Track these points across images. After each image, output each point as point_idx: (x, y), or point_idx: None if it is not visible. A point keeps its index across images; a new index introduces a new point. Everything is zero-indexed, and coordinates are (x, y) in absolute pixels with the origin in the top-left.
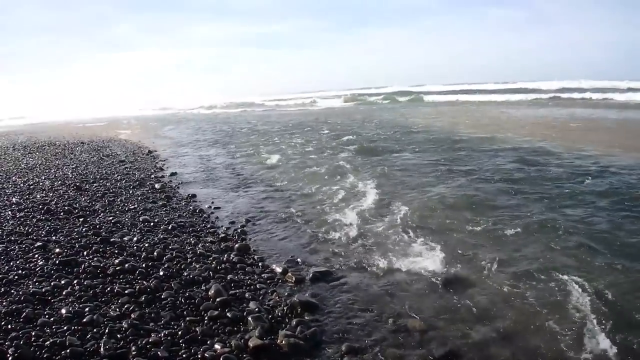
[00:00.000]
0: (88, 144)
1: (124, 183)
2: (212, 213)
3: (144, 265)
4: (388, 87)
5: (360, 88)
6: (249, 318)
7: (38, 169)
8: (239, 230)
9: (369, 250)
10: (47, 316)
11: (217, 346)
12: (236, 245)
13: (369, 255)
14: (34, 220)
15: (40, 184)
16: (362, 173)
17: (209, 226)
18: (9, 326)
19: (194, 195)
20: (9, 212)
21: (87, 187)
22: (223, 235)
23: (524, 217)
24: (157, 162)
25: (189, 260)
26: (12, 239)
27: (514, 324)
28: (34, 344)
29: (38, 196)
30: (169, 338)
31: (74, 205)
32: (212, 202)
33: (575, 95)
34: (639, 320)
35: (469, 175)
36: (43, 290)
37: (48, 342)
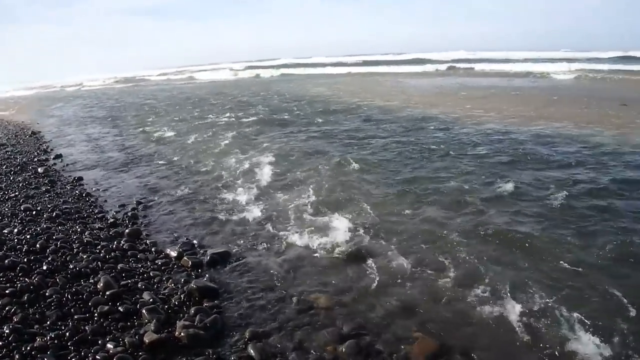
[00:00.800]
0: None
1: (4, 169)
2: (100, 197)
3: (25, 260)
4: (282, 59)
5: (257, 60)
6: (143, 310)
7: None
8: (129, 214)
9: (269, 228)
10: None
11: (109, 346)
12: (126, 231)
13: (270, 233)
14: None
15: None
16: (260, 147)
17: (96, 211)
18: None
19: (80, 179)
20: None
21: None
22: (112, 220)
23: (417, 180)
24: (41, 144)
25: (75, 250)
26: None
27: (418, 294)
28: None
29: None
30: (55, 341)
31: None
32: (100, 185)
33: (469, 65)
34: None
35: (368, 146)
36: None
37: None
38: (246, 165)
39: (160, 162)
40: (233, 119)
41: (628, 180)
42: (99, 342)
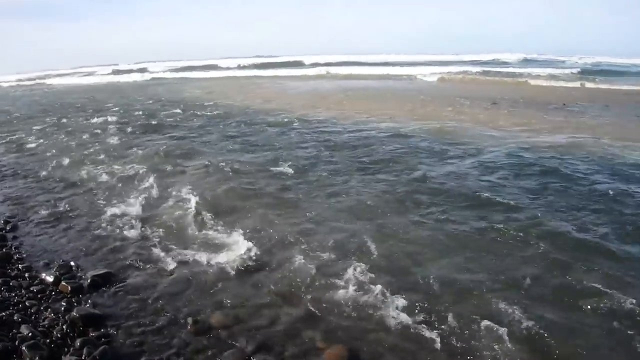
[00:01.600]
0: None
1: None
2: None
3: None
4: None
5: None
6: (23, 348)
7: None
8: None
9: (153, 244)
10: None
11: None
12: None
13: (155, 249)
14: None
15: None
16: (137, 155)
17: None
18: None
19: None
20: None
21: None
22: None
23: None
24: None
25: None
26: None
27: (319, 302)
28: None
29: None
30: None
31: None
32: None
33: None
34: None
35: (255, 148)
36: None
37: None
38: (122, 175)
39: (28, 174)
40: (107, 125)
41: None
42: None
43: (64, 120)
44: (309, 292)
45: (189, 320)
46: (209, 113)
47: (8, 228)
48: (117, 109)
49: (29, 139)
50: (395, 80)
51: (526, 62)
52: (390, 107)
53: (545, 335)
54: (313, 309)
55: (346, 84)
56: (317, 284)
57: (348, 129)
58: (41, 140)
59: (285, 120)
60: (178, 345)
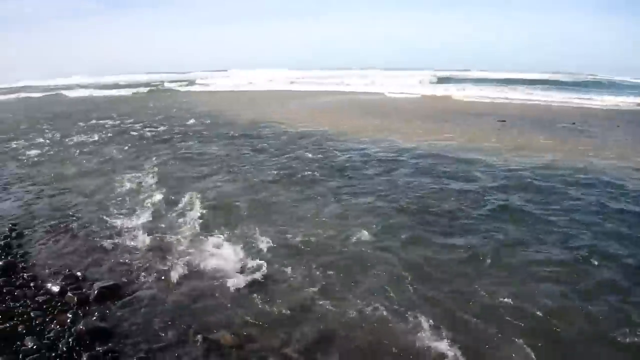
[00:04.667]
0: None
1: None
2: None
3: None
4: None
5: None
6: None
7: None
8: (1, 244)
9: (161, 255)
10: None
11: None
12: (0, 264)
13: (162, 262)
14: None
15: None
16: (144, 165)
17: None
18: None
19: None
20: None
21: None
22: None
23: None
24: None
25: None
26: None
27: (333, 321)
28: None
29: None
30: None
31: None
32: None
33: None
34: None
35: (259, 161)
36: None
37: None
38: (132, 186)
39: (34, 182)
40: (116, 135)
41: None
42: None
43: (66, 130)
44: (322, 310)
45: (198, 337)
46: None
47: (13, 235)
48: (109, 116)
49: (33, 148)
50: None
51: None
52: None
53: None
54: (327, 328)
55: None
56: (330, 301)
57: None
58: (44, 149)
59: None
60: None
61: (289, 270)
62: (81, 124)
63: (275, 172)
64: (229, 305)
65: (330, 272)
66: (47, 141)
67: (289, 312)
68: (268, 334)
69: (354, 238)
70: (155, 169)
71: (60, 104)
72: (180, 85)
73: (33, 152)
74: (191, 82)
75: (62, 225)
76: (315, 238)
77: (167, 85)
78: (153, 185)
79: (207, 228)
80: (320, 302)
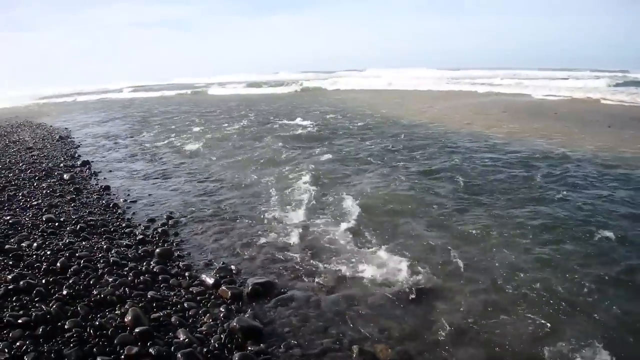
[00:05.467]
0: None
1: (29, 173)
2: (128, 208)
3: (44, 282)
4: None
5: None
6: (179, 355)
7: None
8: (159, 230)
9: (315, 255)
10: None
11: None
12: (157, 250)
13: (316, 263)
14: None
15: None
16: (301, 162)
17: (124, 225)
18: None
19: (107, 188)
20: None
21: None
22: (141, 236)
23: (486, 206)
24: (68, 149)
25: (99, 272)
26: None
27: (502, 341)
28: None
29: None
30: None
31: None
32: (128, 195)
33: None
34: None
35: (418, 166)
36: None
37: None
38: (286, 182)
39: (191, 174)
40: (270, 132)
41: None
42: None
43: (222, 125)
44: (488, 331)
45: (354, 348)
46: None
47: (170, 223)
48: (267, 116)
49: (190, 141)
50: None
51: None
52: None
53: None
54: (495, 350)
55: None
56: (496, 322)
57: None
58: (201, 143)
59: None
60: None
61: (455, 285)
62: (235, 119)
63: (443, 177)
64: (387, 315)
65: (504, 293)
66: (205, 135)
67: (452, 329)
68: (428, 351)
69: (533, 264)
70: (312, 166)
71: (229, 100)
72: (330, 84)
73: (190, 146)
74: (334, 82)
75: (216, 217)
76: (485, 257)
77: (314, 83)
78: (309, 183)
79: (364, 231)
80: (492, 321)
